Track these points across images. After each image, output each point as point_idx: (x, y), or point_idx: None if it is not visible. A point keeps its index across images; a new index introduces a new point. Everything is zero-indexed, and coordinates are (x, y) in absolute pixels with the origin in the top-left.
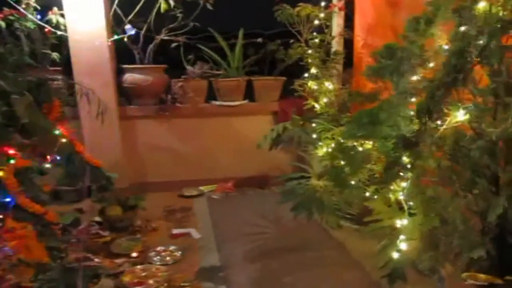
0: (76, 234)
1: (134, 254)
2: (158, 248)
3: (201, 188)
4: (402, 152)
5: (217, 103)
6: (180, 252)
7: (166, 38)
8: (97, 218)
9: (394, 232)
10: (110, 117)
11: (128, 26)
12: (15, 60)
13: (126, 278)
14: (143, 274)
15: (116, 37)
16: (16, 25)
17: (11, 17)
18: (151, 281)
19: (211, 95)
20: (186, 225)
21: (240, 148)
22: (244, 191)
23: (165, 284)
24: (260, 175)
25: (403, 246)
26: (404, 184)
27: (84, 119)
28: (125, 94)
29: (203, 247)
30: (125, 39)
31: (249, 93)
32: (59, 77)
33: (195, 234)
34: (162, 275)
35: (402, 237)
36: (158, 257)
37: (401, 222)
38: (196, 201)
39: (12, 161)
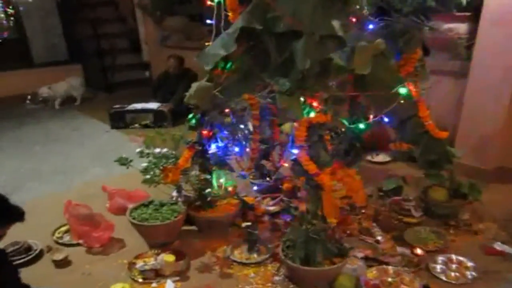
0: (389, 202)
1: (419, 251)
2: (453, 257)
3: None
4: None
5: None
6: (474, 274)
7: None
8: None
9: None
10: (500, 79)
11: None
12: (418, 4)
13: (370, 273)
14: (389, 279)
15: None
16: None
17: None
18: None
19: None
20: None
21: None
22: None
23: None
24: None
25: None
26: None
27: (472, 78)
28: None
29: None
30: None
31: None
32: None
33: None
34: None
35: None
36: (442, 267)
37: None
38: None
39: (311, 114)
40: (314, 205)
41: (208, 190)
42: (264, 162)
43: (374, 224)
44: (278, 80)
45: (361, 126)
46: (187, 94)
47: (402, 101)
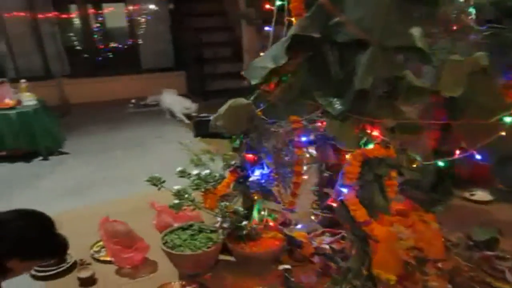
0: (479, 258)
1: None
2: None
3: None
4: None
5: None
6: None
7: None
8: None
9: None
10: None
11: None
12: None
13: None
14: None
15: None
16: None
17: None
18: None
19: None
20: None
21: None
22: None
23: None
24: None
25: None
26: None
27: None
28: None
29: None
30: None
31: None
32: None
33: None
34: None
35: None
36: None
37: None
38: None
39: (369, 146)
40: (359, 261)
41: (244, 222)
42: (328, 190)
43: (449, 286)
44: (331, 101)
45: (440, 163)
46: (216, 113)
47: (505, 134)
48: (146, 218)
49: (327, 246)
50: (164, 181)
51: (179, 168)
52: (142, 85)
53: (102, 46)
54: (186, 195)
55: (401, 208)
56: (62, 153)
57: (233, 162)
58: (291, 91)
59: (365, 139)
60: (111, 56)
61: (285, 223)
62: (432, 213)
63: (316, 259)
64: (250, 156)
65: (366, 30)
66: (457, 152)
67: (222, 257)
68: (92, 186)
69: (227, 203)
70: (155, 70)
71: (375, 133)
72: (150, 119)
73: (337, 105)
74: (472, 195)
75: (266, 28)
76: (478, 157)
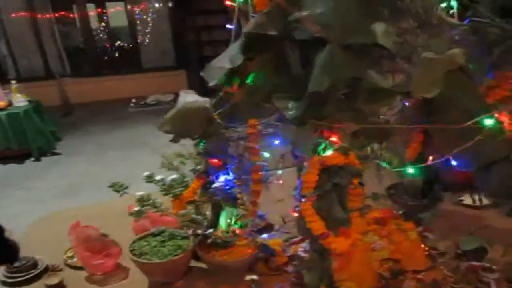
0: (465, 269)
1: None
2: None
3: None
4: None
5: None
6: None
7: None
8: None
9: None
10: None
11: None
12: None
13: None
14: None
15: None
16: None
17: None
18: None
19: None
20: None
21: None
22: None
23: None
24: None
25: None
26: None
27: None
28: None
29: None
30: None
31: None
32: None
33: None
34: None
35: None
36: None
37: None
38: None
39: (328, 152)
40: (316, 276)
41: (210, 230)
42: None
43: None
44: (287, 103)
45: (410, 170)
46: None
47: (485, 138)
48: (130, 221)
49: (302, 254)
50: (126, 187)
51: (146, 173)
52: (143, 84)
53: (103, 46)
54: (150, 201)
55: (378, 216)
56: (55, 153)
57: (198, 167)
58: (255, 93)
59: (323, 145)
60: (112, 55)
61: (262, 230)
62: (419, 220)
63: (290, 268)
64: (213, 161)
65: (325, 27)
66: (431, 158)
67: (196, 264)
68: (82, 187)
69: (187, 212)
70: (156, 69)
71: (334, 138)
72: (149, 119)
73: (293, 108)
74: (461, 200)
75: (228, 26)
76: (454, 163)
